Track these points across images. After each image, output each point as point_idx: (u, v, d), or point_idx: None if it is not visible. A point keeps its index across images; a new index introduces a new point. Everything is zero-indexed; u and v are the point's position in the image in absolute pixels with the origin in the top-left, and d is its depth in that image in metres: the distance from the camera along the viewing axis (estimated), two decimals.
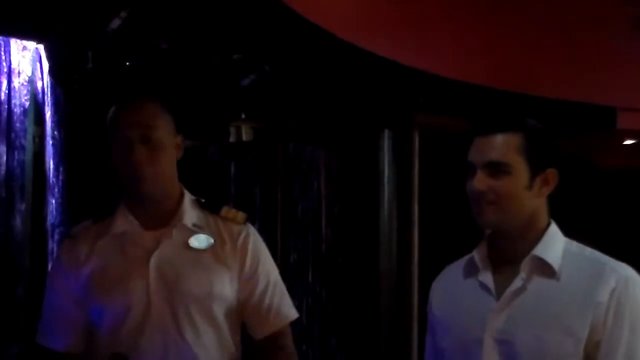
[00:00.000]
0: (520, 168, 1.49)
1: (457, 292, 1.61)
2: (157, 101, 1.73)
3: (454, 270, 1.66)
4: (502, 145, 1.50)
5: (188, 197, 1.76)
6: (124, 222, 1.71)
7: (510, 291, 1.50)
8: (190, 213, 1.73)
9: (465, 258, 1.63)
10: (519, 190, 1.50)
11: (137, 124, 1.66)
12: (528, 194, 1.50)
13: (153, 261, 1.65)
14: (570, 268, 1.49)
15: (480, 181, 1.50)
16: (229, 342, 1.72)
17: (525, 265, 1.50)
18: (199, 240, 1.71)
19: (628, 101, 4.15)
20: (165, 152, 1.68)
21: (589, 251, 1.53)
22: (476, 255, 1.58)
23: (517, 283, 1.50)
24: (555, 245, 1.52)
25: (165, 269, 1.66)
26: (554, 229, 1.55)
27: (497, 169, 1.49)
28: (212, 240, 1.71)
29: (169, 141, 1.70)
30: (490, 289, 1.53)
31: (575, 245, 1.54)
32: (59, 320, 1.72)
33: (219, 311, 1.69)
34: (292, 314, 1.80)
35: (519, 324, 1.47)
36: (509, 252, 1.54)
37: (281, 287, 1.80)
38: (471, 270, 1.59)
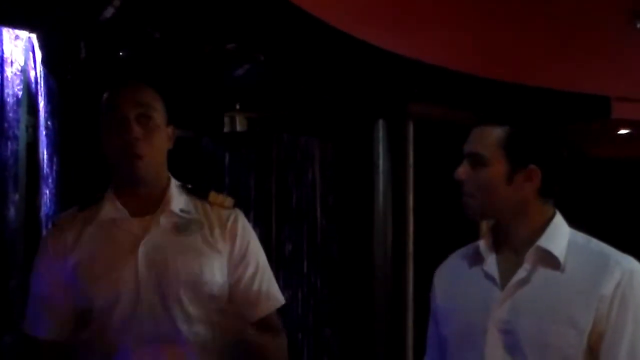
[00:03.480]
0: (498, 161, 1.50)
1: (462, 281, 1.61)
2: (153, 88, 1.75)
3: (459, 259, 1.66)
4: (482, 137, 1.52)
5: (174, 184, 1.77)
6: (112, 209, 1.70)
7: (514, 282, 1.50)
8: (177, 199, 1.73)
9: (471, 246, 1.63)
10: (495, 182, 1.51)
11: (135, 103, 1.68)
12: (508, 188, 1.51)
13: (142, 248, 1.65)
14: (575, 260, 1.49)
15: (461, 171, 1.53)
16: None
17: (529, 256, 1.51)
18: (187, 226, 1.71)
19: (622, 91, 4.15)
20: (160, 134, 1.70)
21: (594, 243, 1.53)
22: (481, 244, 1.58)
23: (521, 273, 1.50)
24: (560, 236, 1.52)
25: (154, 255, 1.65)
26: (558, 220, 1.54)
27: (475, 160, 1.52)
28: (200, 225, 1.71)
29: (163, 126, 1.72)
30: (495, 278, 1.53)
31: (580, 237, 1.54)
32: (44, 308, 1.70)
33: (211, 296, 1.69)
34: (281, 298, 1.81)
35: (523, 314, 1.48)
36: (512, 243, 1.54)
37: (269, 271, 1.81)
38: (476, 260, 1.59)
